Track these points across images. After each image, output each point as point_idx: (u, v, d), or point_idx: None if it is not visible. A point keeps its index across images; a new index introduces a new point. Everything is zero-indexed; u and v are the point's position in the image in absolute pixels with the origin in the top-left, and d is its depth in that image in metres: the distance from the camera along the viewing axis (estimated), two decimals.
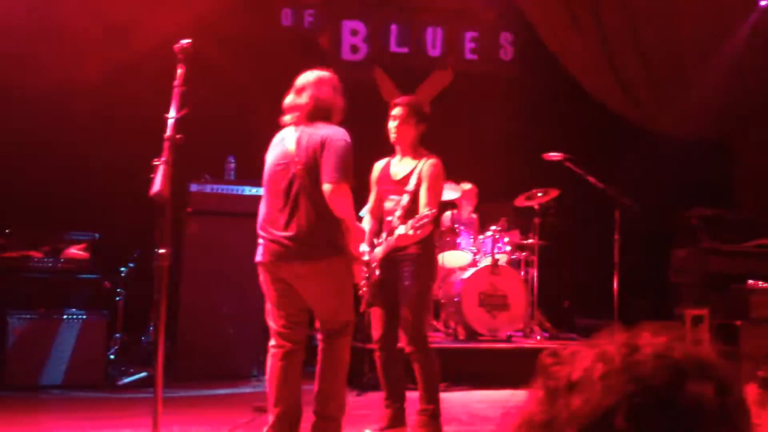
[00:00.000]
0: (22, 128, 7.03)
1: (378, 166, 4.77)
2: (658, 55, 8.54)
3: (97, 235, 6.45)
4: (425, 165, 4.57)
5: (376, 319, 4.60)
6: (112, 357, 6.33)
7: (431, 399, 4.49)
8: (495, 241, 7.11)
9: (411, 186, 4.52)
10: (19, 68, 6.76)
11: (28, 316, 5.76)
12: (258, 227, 4.03)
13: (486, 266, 6.92)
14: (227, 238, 6.27)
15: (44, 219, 6.90)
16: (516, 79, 8.57)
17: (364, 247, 4.36)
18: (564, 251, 8.22)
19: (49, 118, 7.10)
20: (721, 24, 8.59)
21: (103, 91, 7.12)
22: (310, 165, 3.89)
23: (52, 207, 7.05)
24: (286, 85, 4.10)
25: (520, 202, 7.33)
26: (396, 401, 4.62)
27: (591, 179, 7.00)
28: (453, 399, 5.65)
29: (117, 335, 6.48)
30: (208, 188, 6.42)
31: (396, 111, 4.57)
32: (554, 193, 7.23)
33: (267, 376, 4.01)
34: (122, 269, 6.66)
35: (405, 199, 4.50)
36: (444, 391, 5.11)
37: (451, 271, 7.16)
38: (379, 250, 4.46)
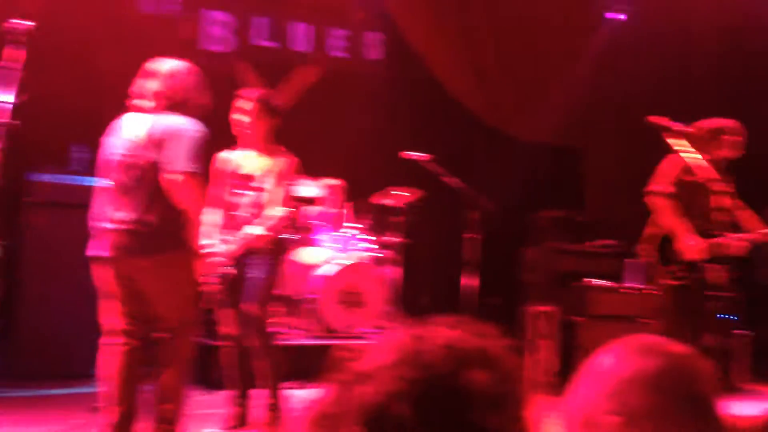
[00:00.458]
0: None
1: (223, 158, 4.68)
2: (518, 63, 8.86)
3: None
4: (279, 162, 4.54)
5: (225, 315, 4.56)
6: None
7: (274, 394, 4.50)
8: (356, 239, 7.15)
9: (263, 182, 4.48)
10: None
11: None
12: (94, 218, 3.85)
13: (345, 264, 6.95)
14: (70, 231, 5.97)
15: None
16: (383, 79, 8.63)
17: (208, 242, 4.28)
18: (423, 249, 8.39)
19: None
20: (577, 35, 9.03)
21: None
22: (157, 154, 3.77)
23: None
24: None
25: (383, 200, 7.41)
26: (244, 399, 4.60)
27: (451, 179, 7.17)
28: (304, 395, 5.63)
29: None
30: (49, 178, 6.09)
31: (246, 105, 4.50)
32: (416, 192, 7.36)
33: (103, 374, 3.85)
34: None
35: (256, 195, 4.46)
36: (297, 387, 5.10)
37: (309, 268, 7.14)
38: (229, 248, 4.40)
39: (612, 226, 7.99)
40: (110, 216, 3.79)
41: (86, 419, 4.63)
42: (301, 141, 7.30)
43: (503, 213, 7.65)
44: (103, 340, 3.87)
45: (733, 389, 6.31)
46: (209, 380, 5.75)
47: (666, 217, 4.86)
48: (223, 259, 4.38)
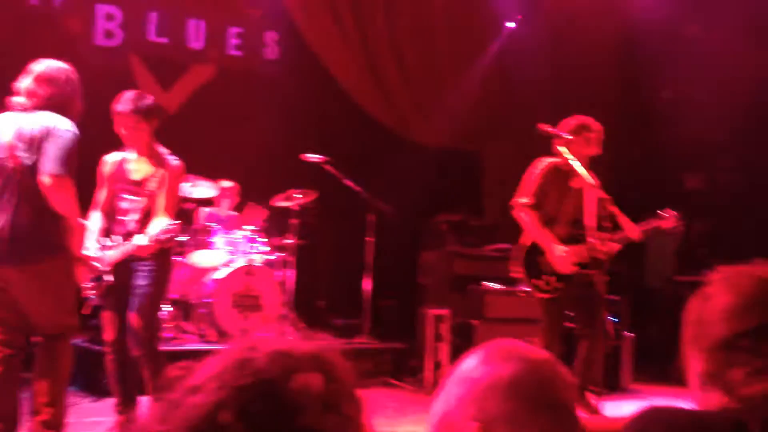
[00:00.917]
0: None
1: (110, 161, 4.53)
2: (416, 67, 8.95)
3: None
4: (166, 167, 4.43)
5: (108, 321, 4.43)
6: None
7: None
8: (251, 241, 7.04)
9: (149, 188, 4.37)
10: None
11: None
12: None
13: (240, 266, 6.82)
14: None
15: None
16: (280, 79, 8.54)
17: (89, 247, 4.14)
18: (320, 252, 8.35)
19: None
20: (473, 42, 9.21)
21: None
22: (30, 156, 3.60)
23: None
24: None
25: (279, 202, 7.33)
26: (128, 407, 4.48)
27: (348, 182, 7.17)
28: None
29: None
30: None
31: (123, 120, 4.36)
32: (312, 194, 7.30)
33: None
34: None
35: (143, 201, 4.35)
36: None
37: (203, 271, 6.99)
38: (113, 254, 4.27)
39: (509, 229, 8.15)
40: None
41: None
42: (196, 141, 7.17)
43: (401, 216, 7.71)
44: None
45: (618, 389, 6.54)
46: (96, 387, 5.55)
47: (530, 229, 4.88)
48: (103, 266, 4.25)
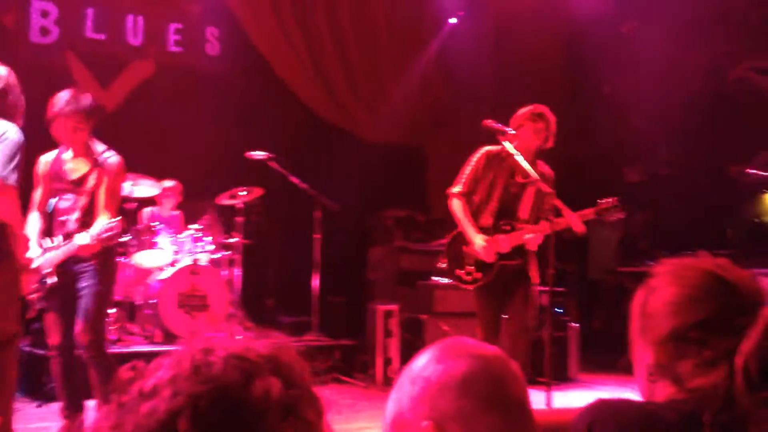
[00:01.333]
0: None
1: (46, 161, 4.42)
2: (359, 63, 8.94)
3: None
4: (104, 164, 4.34)
5: (52, 324, 4.33)
6: None
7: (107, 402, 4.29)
8: (196, 240, 6.94)
9: (88, 187, 4.27)
10: None
11: None
12: None
13: (186, 266, 6.72)
14: None
15: None
16: (222, 75, 8.42)
17: (33, 253, 4.05)
18: (267, 250, 8.28)
19: None
20: (416, 38, 9.24)
21: None
22: None
23: None
24: None
25: (224, 200, 7.24)
26: (75, 411, 4.39)
27: (294, 179, 7.12)
28: None
29: None
30: None
31: (63, 121, 4.25)
32: (258, 192, 7.23)
33: None
34: None
35: (83, 200, 4.25)
36: None
37: (148, 272, 6.86)
38: (54, 255, 4.16)
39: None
40: None
41: None
42: (136, 139, 7.02)
43: (347, 212, 7.69)
44: None
45: (565, 380, 6.64)
46: (40, 392, 5.45)
47: (457, 218, 4.84)
48: (45, 268, 4.14)
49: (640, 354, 1.47)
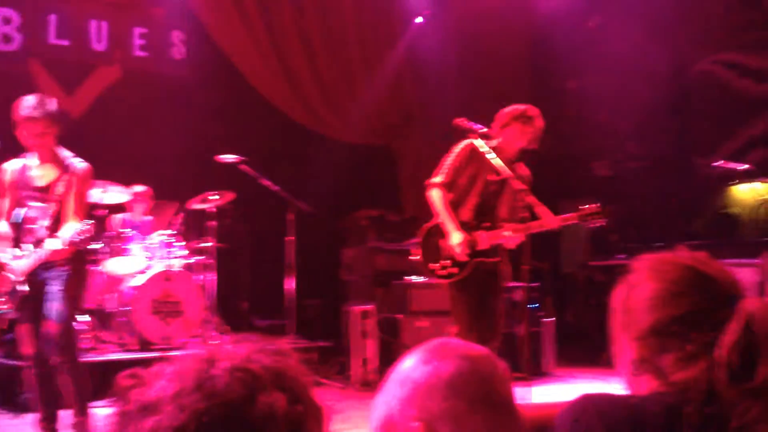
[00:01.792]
0: None
1: (11, 169, 4.36)
2: (326, 63, 8.92)
3: None
4: (73, 170, 4.29)
5: (26, 334, 4.29)
6: None
7: (82, 411, 4.27)
8: (168, 246, 6.88)
9: (57, 193, 4.22)
10: None
11: None
12: None
13: (159, 272, 6.66)
14: None
15: None
16: (189, 79, 8.35)
17: (1, 259, 3.99)
18: (241, 254, 8.24)
19: None
20: (383, 38, 9.25)
21: None
22: None
23: None
24: None
25: (195, 204, 7.19)
26: (51, 422, 4.34)
27: (265, 182, 7.09)
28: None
29: None
30: None
31: (30, 126, 4.20)
32: (229, 195, 7.19)
33: None
34: None
35: (51, 207, 4.20)
36: (109, 406, 4.84)
37: (120, 279, 6.79)
38: (25, 263, 4.11)
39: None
40: None
41: None
42: (105, 145, 6.95)
43: (321, 214, 7.68)
44: None
45: (542, 375, 6.69)
46: (13, 403, 5.36)
47: (438, 209, 4.73)
48: (15, 276, 4.08)
49: (623, 349, 1.49)
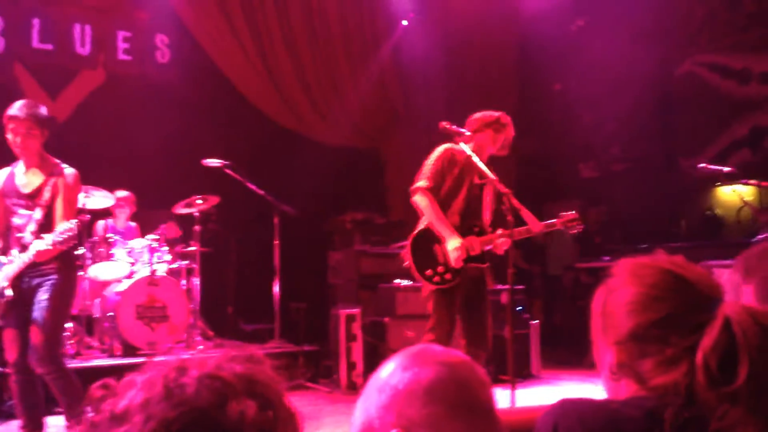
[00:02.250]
0: None
1: None
2: (311, 67, 8.91)
3: None
4: (59, 175, 4.27)
5: (10, 341, 4.23)
6: None
7: (71, 419, 4.23)
8: (153, 251, 6.85)
9: (44, 199, 4.19)
10: None
11: None
12: None
13: (143, 277, 6.63)
14: None
15: None
16: (173, 82, 8.32)
17: None
18: (226, 258, 8.21)
19: None
20: (368, 40, 9.25)
21: None
22: None
23: None
24: None
25: (180, 209, 7.15)
26: (34, 429, 4.29)
27: (251, 186, 7.06)
28: None
29: None
30: None
31: (16, 125, 4.18)
32: (214, 199, 7.16)
33: None
34: None
35: (38, 213, 4.17)
36: None
37: (105, 284, 6.76)
38: (12, 267, 4.09)
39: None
40: None
41: None
42: (88, 150, 6.92)
43: (306, 217, 7.66)
44: None
45: (528, 377, 6.70)
46: (0, 410, 5.34)
47: (429, 214, 4.62)
48: (2, 282, 4.05)
49: (603, 353, 1.49)
